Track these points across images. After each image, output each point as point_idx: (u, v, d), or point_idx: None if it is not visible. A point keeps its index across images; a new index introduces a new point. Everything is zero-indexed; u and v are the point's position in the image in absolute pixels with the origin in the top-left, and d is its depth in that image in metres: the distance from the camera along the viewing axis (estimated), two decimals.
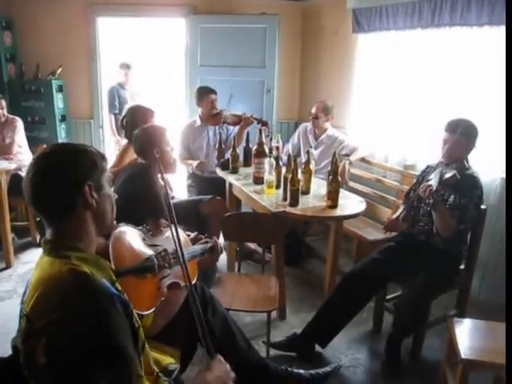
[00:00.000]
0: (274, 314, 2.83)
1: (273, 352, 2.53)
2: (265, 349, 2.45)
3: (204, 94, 3.84)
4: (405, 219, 2.57)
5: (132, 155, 2.85)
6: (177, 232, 1.50)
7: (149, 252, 1.54)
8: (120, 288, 1.18)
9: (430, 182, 2.25)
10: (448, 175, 2.25)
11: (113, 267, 1.23)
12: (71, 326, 0.98)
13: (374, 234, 3.24)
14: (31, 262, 3.63)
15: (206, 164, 3.77)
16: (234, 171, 3.39)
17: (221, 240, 2.35)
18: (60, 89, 4.39)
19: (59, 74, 4.36)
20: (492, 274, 3.02)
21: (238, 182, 3.19)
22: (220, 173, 3.49)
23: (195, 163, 3.80)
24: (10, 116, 3.79)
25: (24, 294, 1.18)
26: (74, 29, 4.50)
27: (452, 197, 2.32)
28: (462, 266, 2.54)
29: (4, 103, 3.72)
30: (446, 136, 2.39)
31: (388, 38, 3.65)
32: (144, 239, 1.61)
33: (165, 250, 1.56)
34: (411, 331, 2.42)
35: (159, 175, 2.97)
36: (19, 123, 3.82)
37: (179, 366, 1.40)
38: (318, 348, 2.54)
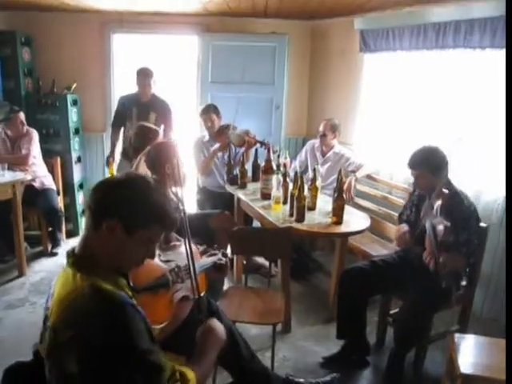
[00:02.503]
0: (279, 326, 2.91)
1: (278, 363, 2.59)
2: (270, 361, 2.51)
3: (201, 113, 4.02)
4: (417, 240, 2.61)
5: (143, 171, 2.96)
6: (190, 247, 1.58)
7: (164, 268, 1.62)
8: (136, 304, 1.24)
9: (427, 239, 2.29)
10: (440, 229, 2.23)
11: (131, 284, 1.30)
12: (100, 339, 1.06)
13: (378, 249, 3.30)
14: (43, 271, 3.73)
15: (225, 142, 3.83)
16: (243, 186, 3.48)
17: (229, 252, 2.43)
18: (74, 103, 4.51)
19: (74, 88, 4.49)
20: (494, 291, 3.06)
21: (246, 197, 3.27)
22: (229, 188, 3.59)
23: (216, 145, 3.86)
24: (30, 129, 3.94)
25: (47, 301, 1.24)
26: (90, 45, 4.64)
27: (453, 236, 2.29)
28: (463, 283, 2.58)
29: (23, 116, 3.85)
30: (411, 171, 2.45)
31: (394, 58, 3.75)
32: (159, 255, 1.69)
33: (178, 266, 1.65)
34: (410, 345, 2.46)
35: (172, 190, 3.10)
36: (35, 135, 3.95)
37: None
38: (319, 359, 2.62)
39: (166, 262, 1.69)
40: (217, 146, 3.84)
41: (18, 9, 4.41)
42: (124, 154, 4.06)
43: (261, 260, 3.75)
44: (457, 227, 2.23)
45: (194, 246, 1.94)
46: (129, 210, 1.18)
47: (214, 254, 1.98)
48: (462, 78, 3.22)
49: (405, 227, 2.59)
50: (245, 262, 3.69)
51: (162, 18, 4.58)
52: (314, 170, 3.00)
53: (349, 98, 4.29)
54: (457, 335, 2.18)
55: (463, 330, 2.62)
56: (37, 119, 4.39)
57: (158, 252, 1.71)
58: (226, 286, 3.00)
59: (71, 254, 1.23)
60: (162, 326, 1.50)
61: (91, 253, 1.20)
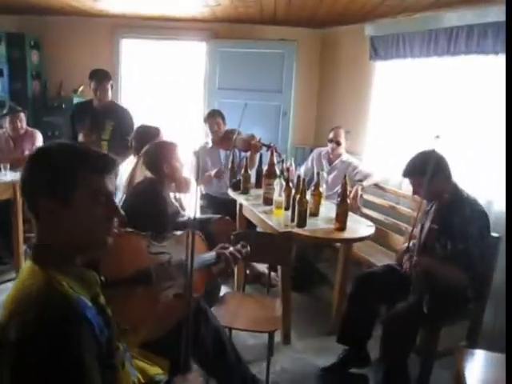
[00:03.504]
0: (278, 337, 2.78)
1: (275, 375, 2.47)
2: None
3: (206, 118, 3.95)
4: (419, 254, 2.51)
5: (142, 172, 2.88)
6: (193, 244, 1.46)
7: (149, 261, 1.51)
8: (103, 302, 1.12)
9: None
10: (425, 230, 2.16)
11: (101, 279, 1.17)
12: (33, 342, 0.93)
13: (384, 260, 3.16)
14: None
15: (223, 170, 3.77)
16: (245, 192, 3.38)
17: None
18: None
19: (81, 91, 4.48)
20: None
21: (248, 203, 3.18)
22: (231, 193, 3.49)
23: (213, 172, 3.80)
24: (30, 129, 3.90)
25: None
26: (98, 49, 4.65)
27: (449, 243, 2.19)
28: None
29: (23, 116, 3.82)
30: (408, 180, 2.36)
31: (404, 65, 3.67)
32: (148, 246, 1.58)
33: (168, 261, 1.54)
34: (397, 357, 2.29)
35: (171, 193, 3.02)
36: (38, 135, 3.92)
37: (167, 378, 1.36)
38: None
39: (158, 254, 1.57)
40: (214, 171, 3.78)
41: (27, 13, 4.44)
42: None
43: (262, 269, 3.63)
44: (453, 234, 2.10)
45: (198, 239, 1.81)
46: (49, 180, 1.03)
47: (225, 248, 1.82)
48: (474, 84, 3.11)
49: (404, 245, 2.50)
50: (248, 272, 3.60)
51: (171, 24, 4.58)
52: (318, 174, 2.89)
53: (359, 107, 4.21)
54: (465, 350, 2.05)
55: (473, 346, 2.46)
56: (42, 121, 4.38)
57: (146, 243, 1.58)
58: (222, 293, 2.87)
59: (32, 246, 1.10)
60: (142, 325, 1.38)
61: (46, 245, 1.07)
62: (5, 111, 3.83)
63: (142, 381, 1.21)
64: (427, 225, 2.27)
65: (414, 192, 2.34)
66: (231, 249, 1.82)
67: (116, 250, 1.33)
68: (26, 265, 1.08)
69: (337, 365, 2.51)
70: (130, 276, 1.41)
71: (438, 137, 2.73)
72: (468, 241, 2.15)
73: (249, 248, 1.88)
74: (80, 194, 1.04)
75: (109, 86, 3.62)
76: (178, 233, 1.73)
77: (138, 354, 1.28)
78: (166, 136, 3.26)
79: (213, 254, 1.79)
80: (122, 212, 1.12)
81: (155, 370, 1.35)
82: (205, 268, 1.73)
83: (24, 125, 3.84)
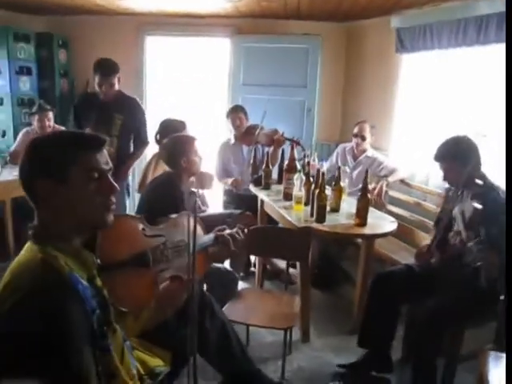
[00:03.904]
0: (297, 335, 2.73)
1: (291, 373, 2.42)
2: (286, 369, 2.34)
3: (228, 113, 3.92)
4: (438, 247, 2.41)
5: (161, 167, 2.88)
6: (195, 223, 1.44)
7: (145, 244, 1.49)
8: (99, 284, 1.14)
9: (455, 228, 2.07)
10: (468, 211, 2.02)
11: (98, 261, 1.17)
12: (22, 315, 0.95)
13: (408, 258, 3.04)
14: None
15: (239, 182, 3.76)
16: (267, 187, 3.34)
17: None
18: None
19: None
20: None
21: (269, 198, 3.14)
22: (253, 189, 3.46)
23: (230, 181, 3.80)
24: (57, 126, 3.97)
25: None
26: (124, 47, 4.69)
27: (483, 230, 2.05)
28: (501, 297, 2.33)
29: (51, 115, 3.89)
30: (438, 164, 2.27)
31: (431, 57, 3.55)
32: (143, 229, 1.56)
33: (163, 244, 1.51)
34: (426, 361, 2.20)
35: (189, 186, 3.01)
36: None
37: (168, 370, 1.33)
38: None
39: (153, 237, 1.55)
40: (230, 180, 3.81)
41: (55, 13, 4.53)
42: None
43: (282, 265, 3.59)
44: (488, 219, 1.98)
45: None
46: (43, 162, 1.08)
47: (223, 230, 1.79)
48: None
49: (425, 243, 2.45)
50: (268, 268, 3.56)
51: (195, 21, 4.58)
52: (339, 169, 2.82)
53: (385, 102, 4.10)
54: (490, 353, 1.95)
55: (499, 349, 2.34)
56: (69, 120, 4.45)
57: (142, 226, 1.56)
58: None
59: (31, 227, 1.12)
60: (141, 307, 1.35)
61: (45, 225, 1.10)
62: (34, 109, 3.91)
63: (142, 372, 1.19)
64: (457, 211, 2.17)
65: (445, 177, 2.27)
66: (229, 231, 1.78)
67: (112, 233, 1.33)
68: (26, 246, 1.12)
69: (356, 365, 2.43)
70: (126, 259, 1.39)
71: (484, 135, 2.64)
72: (498, 228, 2.03)
73: (246, 230, 1.84)
74: (74, 171, 1.08)
75: (115, 81, 3.27)
76: (173, 216, 1.70)
77: (139, 345, 1.26)
78: (191, 131, 3.23)
79: (211, 236, 1.76)
80: (118, 187, 1.15)
81: (156, 362, 1.33)
82: (203, 250, 1.69)
83: (52, 123, 3.91)
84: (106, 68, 3.23)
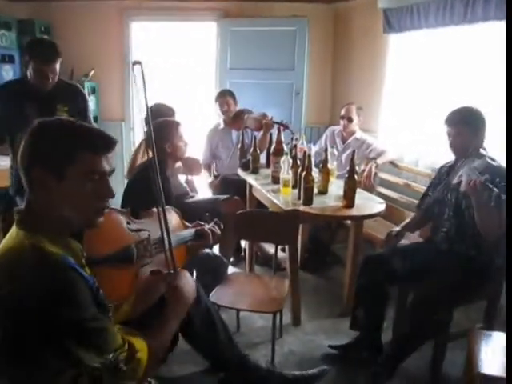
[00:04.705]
0: (288, 319, 2.72)
1: (282, 357, 2.41)
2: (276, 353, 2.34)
3: (217, 97, 3.90)
4: (418, 226, 2.41)
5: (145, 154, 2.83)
6: (165, 217, 1.44)
7: (129, 239, 1.47)
8: (89, 273, 1.13)
9: (465, 178, 2.00)
10: (480, 165, 1.96)
11: (84, 254, 1.16)
12: (33, 301, 0.95)
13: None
14: None
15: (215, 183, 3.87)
16: (255, 171, 3.31)
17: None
18: (93, 91, 4.48)
19: (92, 76, 4.46)
20: None
21: (257, 182, 3.11)
22: (241, 173, 3.43)
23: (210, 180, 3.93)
24: None
25: None
26: (108, 33, 4.60)
27: (495, 189, 1.98)
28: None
29: None
30: (447, 129, 2.24)
31: (419, 37, 3.51)
32: (128, 223, 1.54)
33: (147, 239, 1.50)
34: (422, 340, 2.20)
35: (176, 172, 2.97)
36: None
37: None
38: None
39: (137, 231, 1.53)
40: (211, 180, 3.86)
41: None
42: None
43: (272, 250, 3.57)
44: (501, 182, 1.95)
45: (175, 215, 1.79)
46: (45, 151, 1.05)
47: (201, 225, 1.80)
48: (494, 53, 2.93)
49: (396, 228, 2.47)
50: (259, 254, 3.55)
51: (180, 4, 4.48)
52: (326, 150, 2.79)
53: (373, 83, 4.06)
54: (478, 331, 1.94)
55: (490, 327, 2.34)
56: None
57: (126, 220, 1.55)
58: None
59: (18, 212, 1.11)
60: (122, 301, 1.34)
61: (35, 212, 1.08)
62: None
63: None
64: (455, 181, 2.14)
65: (451, 144, 2.25)
66: (208, 225, 1.81)
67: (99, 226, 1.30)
68: (12, 230, 1.10)
69: (347, 347, 2.44)
70: (110, 254, 1.38)
71: None
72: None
73: (222, 226, 1.88)
74: (74, 169, 1.05)
75: (58, 66, 2.61)
76: (154, 210, 1.69)
77: (123, 332, 1.23)
78: (178, 117, 3.18)
79: (191, 230, 1.77)
80: (114, 192, 1.13)
81: (140, 344, 1.31)
82: (183, 245, 1.71)
83: None
84: (47, 51, 2.54)
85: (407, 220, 2.55)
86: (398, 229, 2.46)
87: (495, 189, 1.85)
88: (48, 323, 0.95)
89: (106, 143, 1.10)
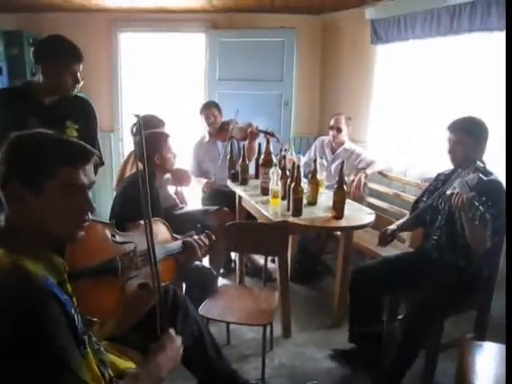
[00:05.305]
0: (278, 331, 2.70)
1: (272, 370, 2.39)
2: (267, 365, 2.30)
3: (202, 109, 3.87)
4: (408, 229, 2.41)
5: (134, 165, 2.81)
6: (151, 229, 1.41)
7: (114, 251, 1.44)
8: (70, 290, 1.09)
9: (456, 191, 2.02)
10: (472, 179, 1.95)
11: (66, 268, 1.12)
12: (7, 323, 0.91)
13: (389, 250, 3.02)
14: None
15: (210, 184, 3.78)
16: (244, 183, 3.30)
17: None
18: None
19: (81, 87, 4.43)
20: None
21: (246, 193, 3.09)
22: (230, 184, 3.41)
23: (203, 181, 3.82)
24: None
25: None
26: (97, 44, 4.58)
27: (481, 207, 2.00)
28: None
29: None
30: (449, 136, 2.22)
31: (407, 47, 3.54)
32: (113, 235, 1.52)
33: (133, 251, 1.48)
34: (416, 350, 2.19)
35: (165, 183, 2.95)
36: None
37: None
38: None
39: (123, 243, 1.51)
40: (205, 181, 3.80)
41: (25, 10, 4.40)
42: None
43: (262, 261, 3.55)
44: (488, 200, 1.93)
45: (163, 227, 1.77)
46: (21, 166, 1.02)
47: (190, 236, 1.77)
48: (480, 63, 2.97)
49: (390, 227, 2.46)
50: (249, 265, 3.52)
51: (169, 16, 4.49)
52: (315, 161, 2.79)
53: (362, 93, 4.08)
54: (470, 342, 1.94)
55: (480, 338, 2.34)
56: None
57: (111, 232, 1.52)
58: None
59: None
60: (108, 317, 1.31)
61: (14, 229, 1.05)
62: None
63: (112, 374, 1.14)
64: (449, 191, 2.09)
65: (450, 150, 2.23)
66: (196, 237, 1.78)
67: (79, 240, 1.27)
68: None
69: (349, 353, 2.45)
70: (94, 266, 1.35)
71: None
72: (497, 208, 1.96)
73: (214, 237, 1.84)
74: (52, 184, 1.02)
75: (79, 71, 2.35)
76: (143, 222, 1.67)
77: (108, 347, 1.21)
78: (168, 129, 3.15)
79: (179, 242, 1.74)
80: (95, 205, 1.10)
81: (126, 364, 1.28)
82: (171, 257, 1.68)
83: None
84: (78, 48, 2.32)
85: (402, 220, 2.54)
86: (392, 227, 2.45)
87: (481, 207, 1.84)
88: (13, 344, 0.91)
89: (83, 155, 1.07)
